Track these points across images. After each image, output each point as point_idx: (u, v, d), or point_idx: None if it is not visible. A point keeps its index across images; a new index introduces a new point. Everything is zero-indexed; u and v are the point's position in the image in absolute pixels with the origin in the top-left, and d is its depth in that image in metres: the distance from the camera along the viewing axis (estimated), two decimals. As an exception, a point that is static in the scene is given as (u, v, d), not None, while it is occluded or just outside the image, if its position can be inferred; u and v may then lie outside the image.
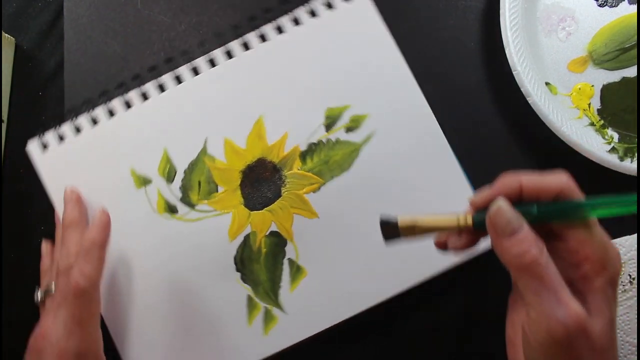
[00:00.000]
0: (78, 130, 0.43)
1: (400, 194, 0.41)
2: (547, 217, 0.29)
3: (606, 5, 0.44)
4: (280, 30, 0.43)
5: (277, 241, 0.42)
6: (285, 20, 0.43)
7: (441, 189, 0.41)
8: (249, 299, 0.42)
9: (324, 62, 0.43)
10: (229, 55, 0.43)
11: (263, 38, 0.43)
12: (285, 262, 0.42)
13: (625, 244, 0.42)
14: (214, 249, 0.42)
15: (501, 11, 0.43)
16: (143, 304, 0.42)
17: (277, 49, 0.43)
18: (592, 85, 0.43)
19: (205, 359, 0.42)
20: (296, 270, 0.42)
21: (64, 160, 0.43)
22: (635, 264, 0.41)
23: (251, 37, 0.43)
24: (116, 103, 0.43)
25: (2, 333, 0.44)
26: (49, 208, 0.44)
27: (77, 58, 0.46)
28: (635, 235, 0.42)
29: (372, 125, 0.42)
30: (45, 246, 0.44)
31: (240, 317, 0.42)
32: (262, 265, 0.42)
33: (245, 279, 0.42)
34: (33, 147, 0.44)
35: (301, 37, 0.43)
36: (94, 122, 0.43)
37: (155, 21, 0.46)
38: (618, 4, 0.44)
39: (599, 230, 0.29)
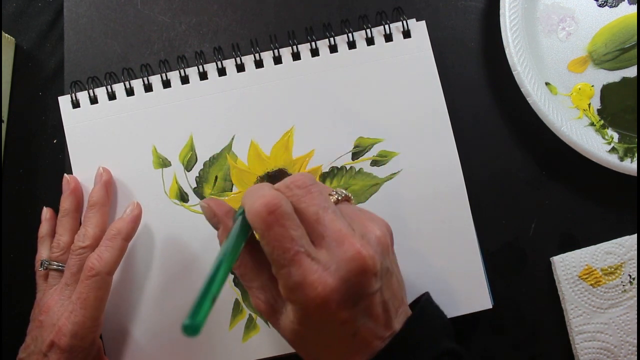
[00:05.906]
0: (113, 97, 0.44)
1: (408, 239, 0.41)
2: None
3: (606, 5, 0.44)
4: (333, 49, 0.43)
5: None
6: (340, 41, 0.43)
7: (449, 248, 0.41)
8: (236, 303, 0.42)
9: (368, 91, 0.43)
10: (278, 60, 0.43)
11: (315, 52, 0.43)
12: None
13: (625, 244, 0.42)
14: (213, 246, 0.42)
15: (501, 11, 0.43)
16: (130, 283, 0.42)
17: (325, 66, 0.43)
18: (592, 85, 0.43)
19: (178, 354, 0.41)
20: None
21: (91, 122, 0.43)
22: (635, 264, 0.41)
23: (303, 48, 0.43)
24: (155, 80, 0.44)
25: (2, 333, 0.44)
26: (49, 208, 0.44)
27: (77, 58, 0.46)
28: (635, 235, 0.42)
29: (399, 164, 0.42)
30: (46, 212, 0.44)
31: (223, 320, 0.42)
32: None
33: (237, 282, 0.42)
34: (64, 102, 0.44)
35: (352, 61, 0.43)
36: (130, 92, 0.44)
37: (155, 21, 0.46)
38: (618, 4, 0.44)
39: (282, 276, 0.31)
